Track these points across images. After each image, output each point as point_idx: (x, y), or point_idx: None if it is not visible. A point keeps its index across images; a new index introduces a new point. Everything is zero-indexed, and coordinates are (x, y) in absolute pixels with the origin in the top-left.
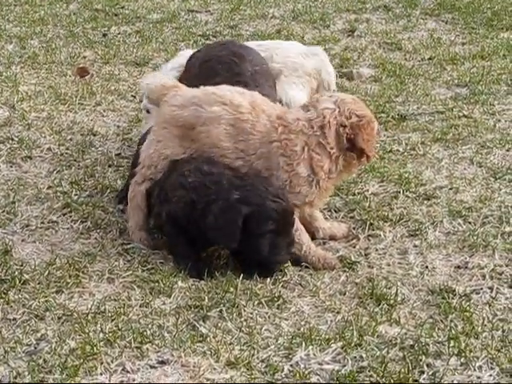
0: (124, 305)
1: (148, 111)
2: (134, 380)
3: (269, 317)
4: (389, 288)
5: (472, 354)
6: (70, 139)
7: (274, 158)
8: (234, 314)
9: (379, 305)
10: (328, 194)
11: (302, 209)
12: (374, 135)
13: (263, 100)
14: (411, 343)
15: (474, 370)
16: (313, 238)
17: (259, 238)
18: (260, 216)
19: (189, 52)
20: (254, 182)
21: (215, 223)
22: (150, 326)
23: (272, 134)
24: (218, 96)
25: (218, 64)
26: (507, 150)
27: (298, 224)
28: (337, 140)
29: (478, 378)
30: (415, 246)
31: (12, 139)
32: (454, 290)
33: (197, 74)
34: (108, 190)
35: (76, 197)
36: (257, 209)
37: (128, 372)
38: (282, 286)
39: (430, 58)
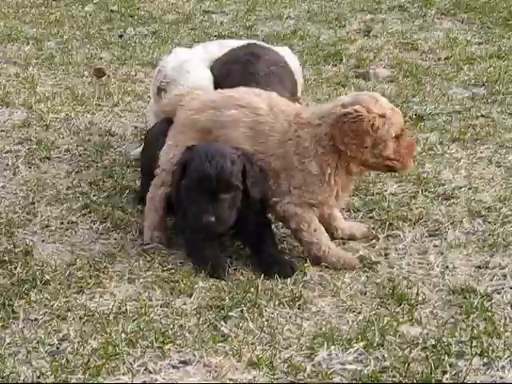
0: (145, 305)
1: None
2: (156, 380)
3: (290, 317)
4: (409, 288)
5: (495, 353)
6: (88, 140)
7: (289, 157)
8: (256, 314)
9: (400, 305)
10: (345, 192)
11: (320, 208)
12: (360, 135)
13: (281, 100)
14: (433, 343)
15: (497, 369)
16: (332, 237)
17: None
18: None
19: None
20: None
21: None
22: (171, 326)
23: (288, 133)
24: (236, 99)
25: (233, 64)
26: None
27: (316, 223)
28: (340, 133)
29: (501, 378)
30: (435, 245)
31: (30, 140)
32: (476, 290)
33: (216, 75)
34: (127, 191)
35: (95, 197)
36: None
37: (150, 372)
38: (302, 286)
39: (446, 58)
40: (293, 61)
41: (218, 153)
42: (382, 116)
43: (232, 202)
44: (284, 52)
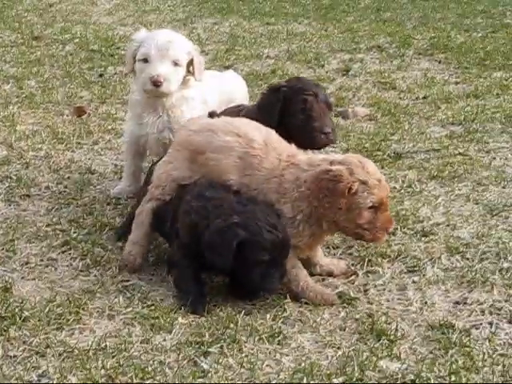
0: (125, 341)
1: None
2: None
3: (269, 352)
4: (389, 323)
5: None
6: (68, 178)
7: (270, 193)
8: (235, 350)
9: (379, 340)
10: (316, 242)
11: (294, 251)
12: (334, 195)
13: (278, 139)
14: (412, 378)
15: None
16: (311, 274)
17: (252, 266)
18: (255, 244)
19: None
20: (256, 209)
21: (210, 241)
22: (151, 362)
23: (275, 170)
24: (234, 127)
25: None
26: (503, 187)
27: (294, 261)
28: (310, 181)
29: None
30: (414, 281)
31: (10, 178)
32: (454, 326)
33: None
34: (107, 228)
35: (75, 234)
36: (253, 237)
37: None
38: (282, 321)
39: (424, 97)
40: (239, 83)
41: (273, 216)
42: (363, 183)
43: None
44: (229, 75)
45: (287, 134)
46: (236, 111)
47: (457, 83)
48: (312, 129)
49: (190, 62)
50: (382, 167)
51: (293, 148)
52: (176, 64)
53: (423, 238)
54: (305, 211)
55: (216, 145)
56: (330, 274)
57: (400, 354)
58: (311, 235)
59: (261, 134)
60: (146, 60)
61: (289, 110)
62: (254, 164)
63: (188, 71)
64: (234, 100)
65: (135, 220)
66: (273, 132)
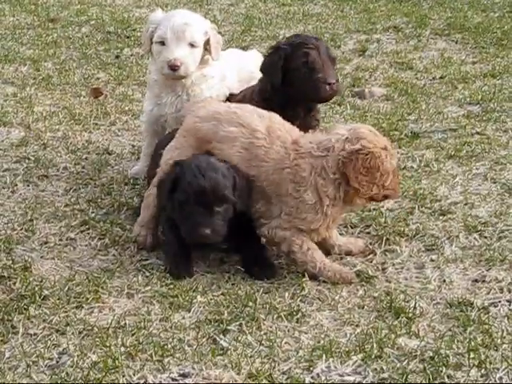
0: (144, 319)
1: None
2: None
3: (288, 330)
4: (407, 301)
5: (492, 365)
6: (86, 158)
7: (284, 184)
8: (254, 328)
9: (398, 318)
10: (336, 223)
11: (308, 235)
12: (371, 171)
13: (281, 124)
14: (431, 355)
15: (495, 380)
16: (328, 254)
17: (178, 207)
18: (179, 184)
19: None
20: (202, 164)
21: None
22: (170, 339)
23: (285, 160)
24: (238, 116)
25: None
26: None
27: (308, 243)
28: (337, 165)
29: None
30: (432, 260)
31: (28, 158)
32: (472, 303)
33: None
34: (125, 208)
35: (93, 214)
36: (178, 177)
37: None
38: (300, 300)
39: (441, 77)
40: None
41: (210, 167)
42: (385, 149)
43: (225, 214)
44: (251, 53)
45: (292, 91)
46: (250, 91)
47: (474, 63)
48: (316, 80)
49: (207, 42)
50: (400, 147)
51: (295, 131)
52: (193, 46)
53: (441, 217)
54: (330, 195)
55: (221, 135)
56: (349, 253)
57: (418, 331)
58: (335, 216)
59: (263, 123)
60: (162, 43)
61: (291, 65)
62: (259, 155)
63: (205, 49)
64: (254, 78)
65: (143, 202)
66: (275, 116)
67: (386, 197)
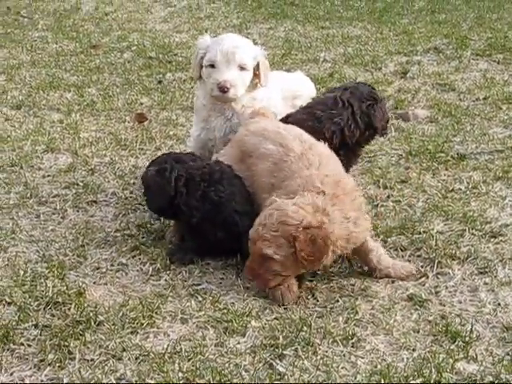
0: (199, 344)
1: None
2: None
3: (344, 355)
4: (463, 325)
5: None
6: (133, 183)
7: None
8: (310, 353)
9: (454, 342)
10: None
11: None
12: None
13: (321, 156)
14: (491, 380)
15: None
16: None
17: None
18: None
19: None
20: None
21: None
22: (227, 365)
23: (301, 173)
24: (281, 136)
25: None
26: None
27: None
28: None
29: None
30: (485, 283)
31: (77, 184)
32: None
33: None
34: None
35: (144, 239)
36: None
37: None
38: (354, 324)
39: (484, 98)
40: (307, 83)
41: (159, 158)
42: None
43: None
44: (295, 75)
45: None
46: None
47: None
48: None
49: (257, 67)
50: (446, 169)
51: (331, 172)
52: (242, 68)
53: (492, 239)
54: None
55: (260, 151)
56: (389, 277)
57: (476, 355)
58: None
59: (301, 147)
60: (212, 66)
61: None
62: (283, 167)
63: (254, 74)
64: (297, 96)
65: None
66: (321, 147)
67: None
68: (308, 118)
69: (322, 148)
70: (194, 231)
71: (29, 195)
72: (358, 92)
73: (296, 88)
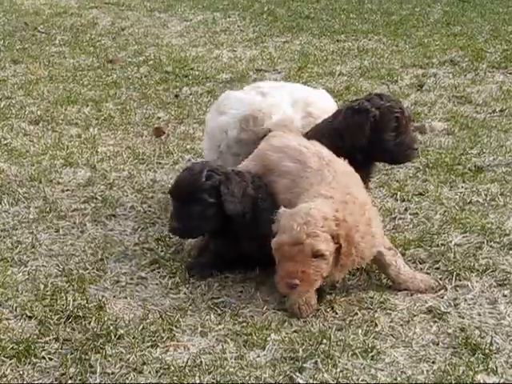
0: (219, 358)
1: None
2: None
3: (364, 368)
4: (482, 337)
5: None
6: (152, 197)
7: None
8: (330, 365)
9: (474, 354)
10: None
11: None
12: None
13: (336, 172)
14: None
15: None
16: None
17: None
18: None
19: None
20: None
21: None
22: (247, 377)
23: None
24: (300, 153)
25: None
26: None
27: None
28: None
29: None
30: (504, 295)
31: (96, 198)
32: None
33: None
34: None
35: (163, 253)
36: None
37: None
38: (373, 337)
39: (501, 110)
40: (328, 100)
41: (192, 167)
42: None
43: (201, 214)
44: (320, 93)
45: (378, 152)
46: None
47: None
48: (405, 145)
49: None
50: (464, 181)
51: (343, 186)
52: None
53: (511, 252)
54: None
55: (281, 169)
56: (408, 290)
57: (496, 367)
58: None
59: (318, 163)
60: None
61: (380, 129)
62: (299, 182)
63: None
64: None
65: None
66: (340, 165)
67: None
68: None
69: (340, 165)
70: (223, 242)
71: (48, 209)
72: None
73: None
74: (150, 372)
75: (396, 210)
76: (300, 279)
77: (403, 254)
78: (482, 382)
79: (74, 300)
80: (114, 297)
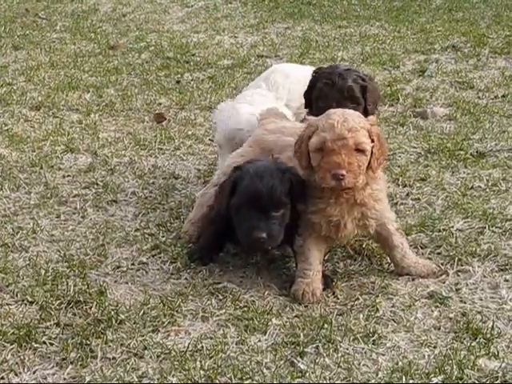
0: (220, 342)
1: (220, 147)
2: None
3: (365, 352)
4: (484, 322)
5: None
6: (153, 183)
7: None
8: (331, 350)
9: (475, 339)
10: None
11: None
12: None
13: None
14: None
15: None
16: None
17: (234, 210)
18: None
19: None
20: (260, 169)
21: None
22: (248, 362)
23: None
24: (299, 129)
25: None
26: None
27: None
28: None
29: None
30: (506, 280)
31: (97, 184)
32: None
33: None
34: None
35: (164, 238)
36: (235, 181)
37: None
38: (375, 321)
39: (503, 96)
40: None
41: (267, 172)
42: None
43: (282, 218)
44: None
45: None
46: None
47: None
48: None
49: None
50: (466, 166)
51: None
52: None
53: None
54: None
55: (280, 144)
56: (410, 275)
57: (498, 352)
58: None
59: None
60: None
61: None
62: None
63: None
64: None
65: (197, 201)
66: None
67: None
68: None
69: None
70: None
71: (49, 195)
72: None
73: None
74: (150, 357)
75: (398, 196)
76: (347, 170)
77: None
78: (483, 366)
79: (74, 285)
80: (115, 282)
